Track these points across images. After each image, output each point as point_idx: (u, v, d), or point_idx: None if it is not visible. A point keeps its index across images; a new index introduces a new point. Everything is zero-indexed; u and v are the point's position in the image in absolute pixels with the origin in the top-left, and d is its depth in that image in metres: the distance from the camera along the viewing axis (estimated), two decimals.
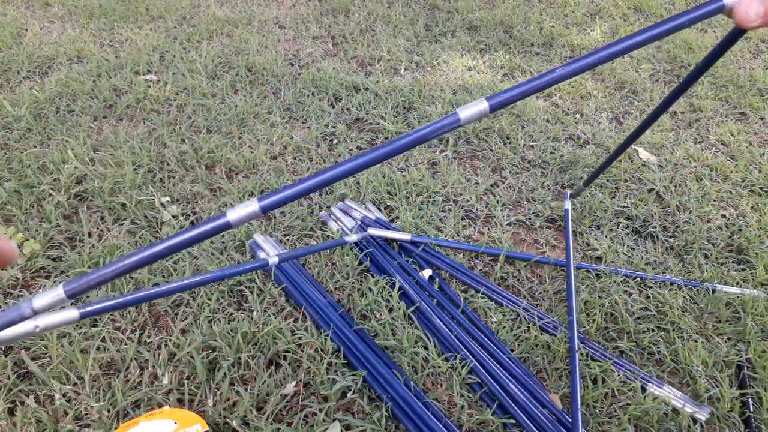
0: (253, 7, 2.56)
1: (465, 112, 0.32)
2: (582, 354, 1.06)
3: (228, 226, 0.33)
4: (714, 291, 1.20)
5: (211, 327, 1.06)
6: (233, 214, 0.33)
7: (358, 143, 1.66)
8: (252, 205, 0.33)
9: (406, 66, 2.10)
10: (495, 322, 1.12)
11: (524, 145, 1.68)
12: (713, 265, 1.29)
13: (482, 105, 0.32)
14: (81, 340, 1.03)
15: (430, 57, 2.17)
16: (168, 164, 1.51)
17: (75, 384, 0.96)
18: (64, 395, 0.95)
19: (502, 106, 0.33)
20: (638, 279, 1.23)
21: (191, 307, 1.12)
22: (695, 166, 1.64)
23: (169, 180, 1.46)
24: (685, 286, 1.22)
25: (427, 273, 1.21)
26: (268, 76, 1.97)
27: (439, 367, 1.02)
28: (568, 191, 1.43)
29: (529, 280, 1.24)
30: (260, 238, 1.26)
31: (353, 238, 1.13)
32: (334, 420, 0.93)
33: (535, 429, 0.92)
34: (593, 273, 1.24)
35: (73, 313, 0.46)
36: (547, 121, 1.82)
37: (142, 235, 1.28)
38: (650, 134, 1.77)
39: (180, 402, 0.95)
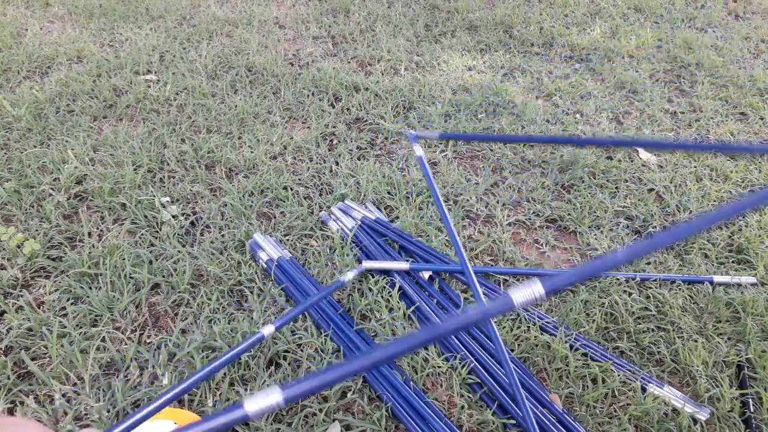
0: (253, 7, 2.56)
1: (518, 295, 0.29)
2: (581, 354, 1.06)
3: (246, 418, 0.30)
4: (713, 284, 1.22)
5: (211, 327, 1.06)
6: (252, 406, 0.29)
7: (358, 143, 1.66)
8: (274, 395, 0.29)
9: (406, 66, 2.10)
10: (495, 321, 1.12)
11: (524, 145, 1.68)
12: (713, 265, 1.29)
13: (537, 289, 0.29)
14: (81, 340, 1.03)
15: (430, 57, 2.17)
16: (168, 164, 1.51)
17: (75, 384, 0.96)
18: (63, 395, 0.95)
19: (556, 290, 0.29)
20: (637, 279, 1.23)
21: (191, 307, 1.12)
22: (695, 166, 1.63)
23: (169, 180, 1.46)
24: (684, 282, 1.22)
25: (427, 273, 1.21)
26: (268, 76, 1.97)
27: (439, 367, 1.02)
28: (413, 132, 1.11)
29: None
30: (260, 237, 1.26)
31: (350, 276, 1.14)
32: (334, 420, 0.93)
33: (535, 429, 0.92)
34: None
35: None
36: (547, 121, 1.82)
37: (142, 235, 1.28)
38: (650, 134, 1.77)
39: (180, 402, 0.95)
